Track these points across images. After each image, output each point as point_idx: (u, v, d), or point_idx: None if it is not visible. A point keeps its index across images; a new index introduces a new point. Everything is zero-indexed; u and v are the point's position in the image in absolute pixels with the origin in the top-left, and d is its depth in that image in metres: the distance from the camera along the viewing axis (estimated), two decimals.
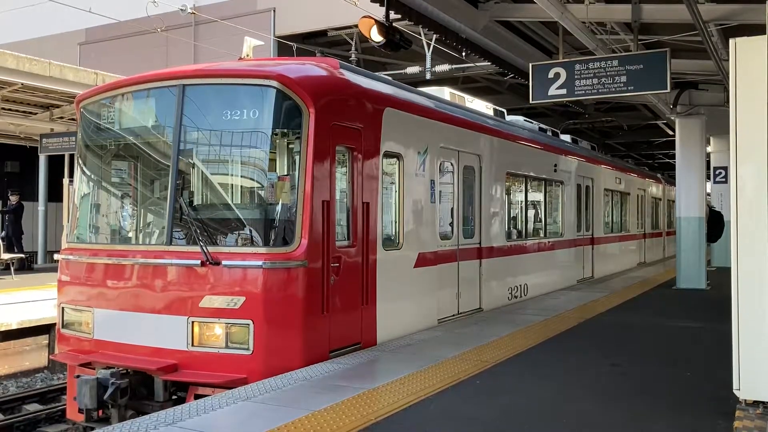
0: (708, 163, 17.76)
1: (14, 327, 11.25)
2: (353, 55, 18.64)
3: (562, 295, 13.14)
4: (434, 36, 14.22)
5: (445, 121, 9.69)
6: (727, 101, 5.60)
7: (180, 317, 6.64)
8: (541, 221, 13.79)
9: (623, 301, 12.45)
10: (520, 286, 12.14)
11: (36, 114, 18.13)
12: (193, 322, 6.59)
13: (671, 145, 19.08)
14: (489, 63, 12.74)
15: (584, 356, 7.58)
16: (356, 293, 7.45)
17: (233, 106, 6.91)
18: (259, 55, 10.43)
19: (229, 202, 7.10)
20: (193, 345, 6.59)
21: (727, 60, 5.87)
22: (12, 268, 16.30)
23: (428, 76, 16.79)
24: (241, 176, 7.17)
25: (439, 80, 16.20)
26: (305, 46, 20.00)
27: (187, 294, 6.68)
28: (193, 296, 6.63)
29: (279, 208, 6.83)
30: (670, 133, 21.42)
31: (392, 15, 9.62)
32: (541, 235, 13.72)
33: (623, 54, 9.96)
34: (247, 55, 8.35)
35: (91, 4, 17.69)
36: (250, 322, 6.41)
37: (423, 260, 8.86)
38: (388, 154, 8.24)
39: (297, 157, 6.87)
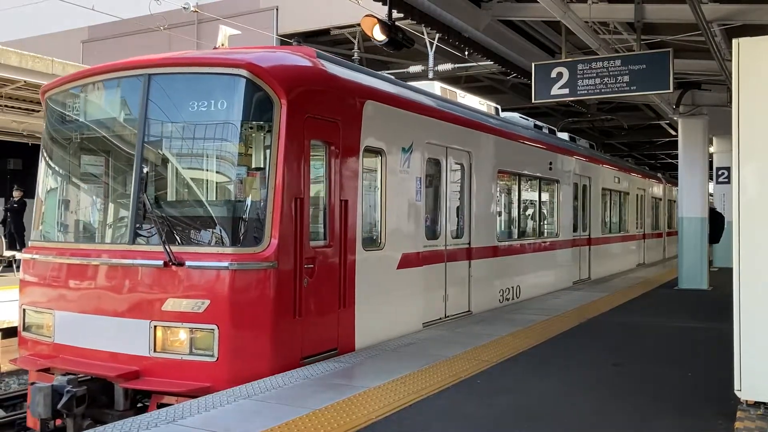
0: (710, 163, 17.72)
1: (15, 324, 11.25)
2: (356, 54, 18.65)
3: (563, 295, 13.12)
4: (437, 35, 14.20)
5: (433, 116, 9.30)
6: (730, 101, 5.59)
7: (142, 321, 6.29)
8: (534, 221, 13.48)
9: (625, 301, 12.43)
10: (513, 287, 11.78)
11: (38, 111, 18.14)
12: (155, 326, 6.24)
13: (674, 145, 19.03)
14: (492, 62, 12.72)
15: (585, 356, 7.57)
16: (333, 296, 7.07)
17: (201, 96, 6.52)
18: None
19: (195, 198, 6.78)
20: (155, 351, 6.23)
21: (730, 60, 5.86)
22: (15, 265, 16.32)
23: (431, 75, 16.77)
24: (208, 171, 6.80)
25: (442, 79, 16.18)
26: (308, 45, 20.00)
27: (150, 296, 6.32)
28: (156, 299, 6.26)
29: (248, 205, 6.50)
30: (673, 133, 21.38)
31: (395, 14, 9.63)
32: (535, 235, 13.39)
33: (626, 54, 9.95)
34: (222, 45, 8.00)
35: (94, 2, 17.72)
36: (214, 327, 6.07)
37: (407, 261, 8.49)
38: (370, 150, 7.84)
39: (268, 152, 6.50)
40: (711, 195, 18.86)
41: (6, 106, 16.91)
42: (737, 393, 5.32)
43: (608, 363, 7.21)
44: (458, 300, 9.84)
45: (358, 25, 10.70)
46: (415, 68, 17.51)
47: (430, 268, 9.03)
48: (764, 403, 5.30)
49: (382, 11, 9.81)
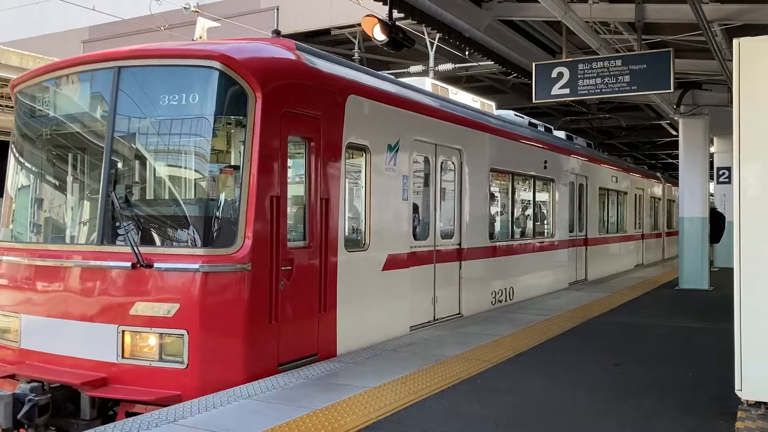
0: (711, 163, 17.72)
1: None
2: (356, 54, 18.65)
3: (563, 295, 13.12)
4: (437, 35, 14.21)
5: (421, 112, 8.98)
6: (731, 101, 5.59)
7: (110, 326, 6.00)
8: (529, 221, 13.19)
9: (625, 301, 12.43)
10: (506, 289, 11.51)
11: None
12: (123, 331, 5.95)
13: (674, 145, 19.04)
14: (492, 62, 12.72)
15: (586, 356, 7.57)
16: (312, 299, 6.78)
17: (172, 89, 6.21)
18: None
19: (166, 197, 6.50)
20: (123, 357, 5.95)
21: (731, 60, 5.85)
22: None
23: (431, 75, 16.76)
24: (180, 168, 6.51)
25: (443, 79, 16.17)
26: (308, 45, 19.97)
27: (118, 300, 6.03)
28: (124, 303, 5.98)
29: (221, 204, 6.21)
30: (674, 133, 21.36)
31: (395, 14, 9.62)
32: (529, 235, 13.10)
33: (627, 54, 9.95)
34: (200, 38, 7.75)
35: (94, 2, 17.72)
36: (184, 332, 5.78)
37: (393, 262, 8.18)
38: (353, 147, 7.55)
39: (242, 148, 6.17)
40: (711, 195, 18.84)
41: (6, 106, 16.91)
42: (738, 393, 5.32)
43: (609, 363, 7.21)
44: (448, 302, 9.59)
45: (359, 25, 10.68)
46: (416, 68, 17.51)
47: (418, 269, 8.75)
48: (765, 403, 5.30)
49: (382, 11, 9.81)
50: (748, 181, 5.30)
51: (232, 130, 6.39)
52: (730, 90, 11.75)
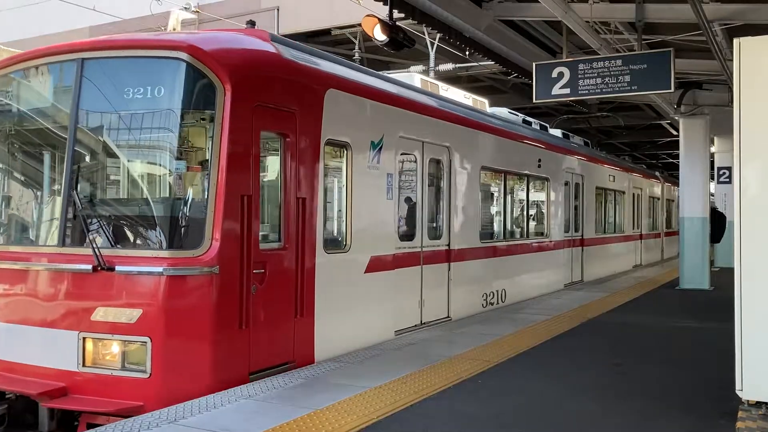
0: (712, 163, 17.73)
1: None
2: (357, 54, 18.65)
3: (564, 295, 13.12)
4: (438, 35, 14.21)
5: (406, 108, 8.65)
6: (731, 101, 5.59)
7: (70, 332, 5.71)
8: (522, 221, 12.85)
9: (626, 301, 12.43)
10: (497, 291, 11.17)
11: None
12: (84, 338, 5.67)
13: (675, 145, 19.04)
14: (493, 62, 12.71)
15: (587, 356, 7.57)
16: (288, 303, 6.47)
17: (137, 82, 5.90)
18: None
19: (130, 195, 6.18)
20: (84, 365, 5.67)
21: (732, 60, 5.86)
22: None
23: (431, 75, 16.77)
24: (145, 165, 6.22)
25: (443, 79, 16.17)
26: (309, 45, 19.98)
27: (79, 305, 5.75)
28: (85, 308, 5.69)
29: (188, 203, 5.88)
30: (674, 133, 21.36)
31: (396, 14, 9.62)
32: (522, 235, 12.73)
33: (627, 54, 9.95)
34: (174, 30, 7.50)
35: (95, 2, 17.72)
36: (147, 339, 5.50)
37: (377, 264, 7.88)
38: (333, 143, 7.25)
39: (210, 143, 5.86)
40: (712, 195, 18.83)
41: None
42: (739, 393, 5.32)
43: (610, 363, 7.21)
44: (436, 305, 9.28)
45: (359, 25, 10.68)
46: (416, 68, 17.51)
47: (403, 271, 8.47)
48: (766, 403, 5.30)
49: (383, 11, 9.81)
50: (749, 181, 5.30)
51: (201, 125, 6.08)
52: (730, 90, 11.74)
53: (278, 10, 22.73)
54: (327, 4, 19.72)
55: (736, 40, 5.37)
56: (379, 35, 9.43)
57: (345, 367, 6.68)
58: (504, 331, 8.89)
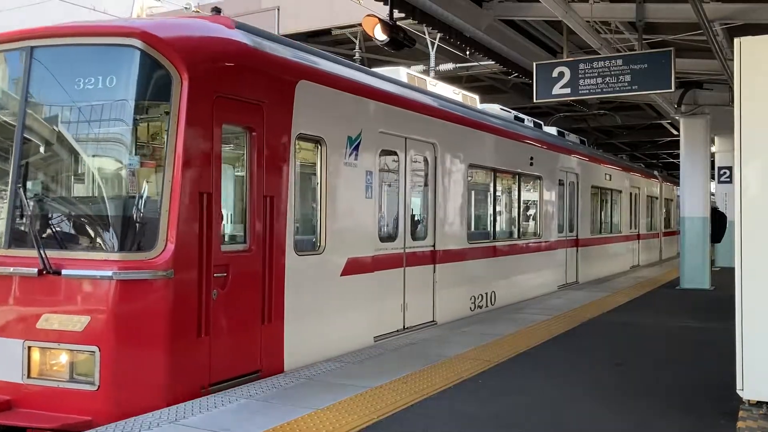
0: (712, 162, 17.72)
1: None
2: (357, 54, 18.65)
3: (564, 295, 13.12)
4: (438, 35, 14.20)
5: (388, 102, 8.23)
6: (732, 101, 5.58)
7: (15, 340, 5.36)
8: (513, 220, 12.49)
9: (626, 301, 12.43)
10: (486, 294, 10.75)
11: None
12: (30, 347, 5.31)
13: (676, 144, 19.05)
14: (493, 62, 12.71)
15: (587, 356, 7.56)
16: (253, 309, 6.07)
17: (88, 71, 5.56)
18: None
19: (79, 193, 5.81)
20: (30, 376, 5.32)
21: (732, 59, 5.85)
22: None
23: (432, 74, 16.77)
24: (95, 160, 5.84)
25: (444, 79, 16.18)
26: (310, 45, 19.99)
27: (24, 311, 5.41)
28: (31, 314, 5.35)
29: (141, 202, 5.50)
30: (675, 132, 21.36)
31: (396, 14, 9.63)
32: (513, 236, 12.37)
33: (627, 53, 9.95)
34: (138, 17, 7.24)
35: (94, 2, 17.73)
36: (95, 348, 5.15)
37: (354, 266, 7.48)
38: (305, 138, 6.86)
39: (166, 137, 5.45)
40: (712, 194, 18.83)
41: None
42: (739, 393, 5.32)
43: (610, 362, 7.21)
44: (420, 309, 8.88)
45: (360, 24, 10.67)
46: (417, 68, 17.51)
47: (384, 273, 8.08)
48: (767, 403, 5.29)
49: (383, 11, 9.81)
50: (749, 181, 5.29)
51: (156, 118, 5.70)
52: (731, 89, 11.73)
53: (278, 9, 22.74)
54: (327, 4, 19.73)
55: (736, 40, 5.36)
56: (380, 35, 9.43)
57: (345, 367, 6.67)
58: (504, 331, 8.89)
